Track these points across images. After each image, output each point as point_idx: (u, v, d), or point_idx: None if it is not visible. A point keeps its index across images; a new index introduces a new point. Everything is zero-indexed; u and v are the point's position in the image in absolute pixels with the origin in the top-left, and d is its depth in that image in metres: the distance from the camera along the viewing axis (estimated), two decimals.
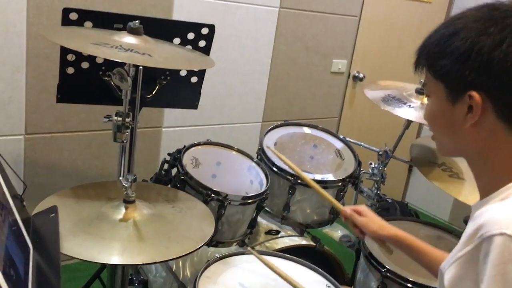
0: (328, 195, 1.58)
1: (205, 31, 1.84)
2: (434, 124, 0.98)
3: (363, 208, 1.44)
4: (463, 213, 2.97)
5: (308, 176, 1.88)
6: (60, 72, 1.73)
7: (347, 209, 1.45)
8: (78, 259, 1.08)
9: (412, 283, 1.61)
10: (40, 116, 2.21)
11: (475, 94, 0.86)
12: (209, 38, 1.85)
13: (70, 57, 1.71)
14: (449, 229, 2.01)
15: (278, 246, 1.82)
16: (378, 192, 2.13)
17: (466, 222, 2.62)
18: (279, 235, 1.91)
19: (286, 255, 1.60)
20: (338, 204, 1.55)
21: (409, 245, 1.35)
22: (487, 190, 0.92)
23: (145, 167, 2.53)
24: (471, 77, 0.87)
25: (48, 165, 2.31)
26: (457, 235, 1.96)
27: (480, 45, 0.84)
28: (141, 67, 1.35)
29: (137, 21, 1.50)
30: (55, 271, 0.96)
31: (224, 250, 1.76)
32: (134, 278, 1.84)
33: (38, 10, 2.07)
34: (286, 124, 2.09)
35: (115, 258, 1.12)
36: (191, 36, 1.83)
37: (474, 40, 0.85)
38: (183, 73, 1.88)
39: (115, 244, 1.15)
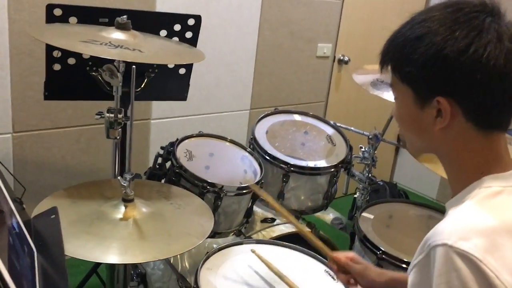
0: (318, 241, 1.42)
1: (191, 22, 1.83)
2: (403, 125, 0.97)
3: (353, 254, 1.35)
4: (451, 191, 3.03)
5: (301, 163, 1.91)
6: (47, 69, 1.71)
7: (341, 257, 1.34)
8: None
9: (407, 263, 1.65)
10: (26, 113, 2.18)
11: (443, 100, 0.86)
12: (196, 29, 1.84)
13: (56, 54, 1.68)
14: (439, 209, 2.05)
15: (274, 234, 1.85)
16: (370, 175, 2.16)
17: None
18: (275, 223, 1.93)
19: (283, 242, 1.61)
20: (328, 251, 1.39)
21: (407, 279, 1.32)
22: (455, 188, 0.93)
23: (135, 159, 2.52)
24: (438, 83, 0.86)
25: (37, 163, 2.28)
26: None
27: (446, 51, 0.83)
28: (134, 66, 1.33)
29: (125, 16, 1.48)
30: (61, 274, 0.96)
31: (221, 241, 1.78)
32: (132, 272, 1.85)
33: (19, 5, 2.03)
34: (276, 112, 2.10)
35: (119, 257, 1.12)
36: (177, 27, 1.81)
37: (439, 46, 0.83)
38: (171, 65, 1.86)
39: (118, 244, 1.16)
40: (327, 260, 1.43)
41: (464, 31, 0.83)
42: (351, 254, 1.35)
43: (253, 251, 1.48)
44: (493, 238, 0.79)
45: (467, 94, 0.85)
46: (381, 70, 0.96)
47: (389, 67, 0.93)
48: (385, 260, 1.69)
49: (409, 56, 0.87)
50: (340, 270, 1.35)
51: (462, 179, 0.91)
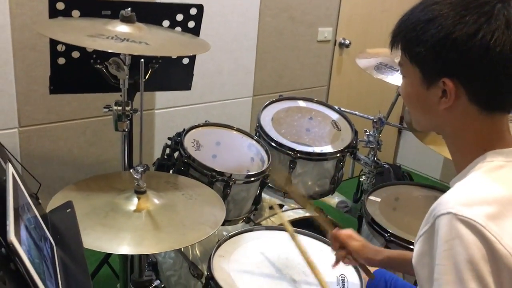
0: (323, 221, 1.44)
1: (193, 11, 1.83)
2: (409, 103, 1.01)
3: (351, 232, 1.39)
4: (454, 170, 3.05)
5: (307, 149, 1.92)
6: (51, 63, 1.71)
7: (340, 233, 1.38)
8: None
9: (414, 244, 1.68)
10: (32, 108, 2.19)
11: (448, 81, 0.89)
12: (198, 18, 1.84)
13: (60, 48, 1.69)
14: (444, 189, 2.07)
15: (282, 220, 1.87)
16: (375, 158, 2.17)
17: None
18: (283, 209, 1.95)
19: (293, 228, 1.64)
20: (330, 228, 1.43)
21: (404, 259, 1.32)
22: (459, 166, 0.96)
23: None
24: (445, 65, 0.89)
25: (44, 156, 2.30)
26: None
27: (455, 35, 0.85)
28: (142, 60, 1.34)
29: (129, 8, 1.49)
30: (82, 268, 0.98)
31: (231, 228, 1.81)
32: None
33: (20, 0, 2.03)
34: (281, 99, 2.11)
35: (135, 248, 1.15)
36: (180, 17, 1.81)
37: (449, 29, 0.86)
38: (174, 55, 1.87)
39: (133, 235, 1.18)
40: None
41: (474, 16, 0.85)
42: (349, 231, 1.39)
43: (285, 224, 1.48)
44: (497, 207, 0.83)
45: (472, 77, 0.88)
46: (391, 49, 0.99)
47: (399, 46, 0.96)
48: (393, 242, 1.71)
49: (419, 37, 0.90)
50: (340, 247, 1.39)
51: (465, 157, 0.95)
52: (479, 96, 0.89)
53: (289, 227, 1.47)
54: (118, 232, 1.17)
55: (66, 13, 1.62)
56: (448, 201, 0.84)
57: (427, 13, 0.90)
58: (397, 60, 2.07)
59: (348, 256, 1.39)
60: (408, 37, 0.92)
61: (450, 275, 0.81)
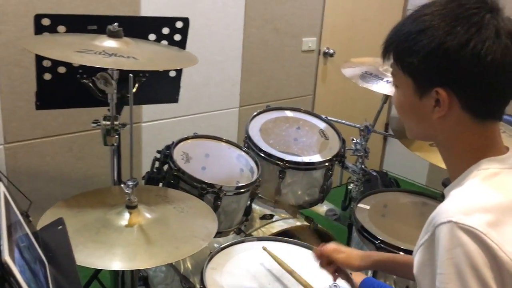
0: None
1: (179, 24, 1.84)
2: (403, 112, 1.01)
3: (334, 245, 1.37)
4: (439, 176, 3.09)
5: (296, 159, 1.93)
6: (37, 78, 1.70)
7: (324, 249, 1.36)
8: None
9: (404, 250, 1.69)
10: (18, 123, 2.17)
11: (441, 91, 0.90)
12: (184, 31, 1.85)
13: (46, 63, 1.68)
14: (432, 195, 2.10)
15: (274, 230, 1.88)
16: (363, 166, 2.19)
17: (444, 184, 2.74)
18: (274, 219, 1.96)
19: (284, 238, 1.64)
20: (314, 245, 1.44)
21: (393, 262, 1.33)
22: (453, 174, 0.97)
23: (129, 164, 2.53)
24: (438, 75, 0.90)
25: (31, 172, 2.28)
26: (440, 200, 2.05)
27: (446, 45, 0.87)
28: (131, 75, 1.34)
29: (116, 24, 1.49)
30: (75, 285, 0.97)
31: (222, 240, 1.80)
32: None
33: (4, 16, 2.02)
34: (268, 109, 2.12)
35: (128, 264, 1.14)
36: (166, 31, 1.82)
37: (440, 40, 0.87)
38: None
39: (126, 250, 1.17)
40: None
41: (464, 26, 0.87)
42: (332, 245, 1.37)
43: (264, 249, 1.50)
44: (496, 215, 0.84)
45: (464, 86, 0.89)
46: (383, 60, 0.99)
47: (391, 57, 0.97)
48: (383, 248, 1.73)
49: (411, 48, 0.91)
50: (327, 263, 1.37)
51: (460, 165, 0.95)
52: (472, 104, 0.91)
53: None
54: (110, 248, 1.17)
55: (52, 29, 1.62)
56: (448, 210, 0.85)
57: (419, 24, 0.91)
58: (381, 69, 2.10)
59: (338, 269, 1.37)
60: (400, 48, 0.94)
61: (454, 283, 0.81)
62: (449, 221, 0.82)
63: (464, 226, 0.81)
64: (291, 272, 1.40)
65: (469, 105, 0.91)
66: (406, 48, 0.92)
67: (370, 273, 1.70)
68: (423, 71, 0.91)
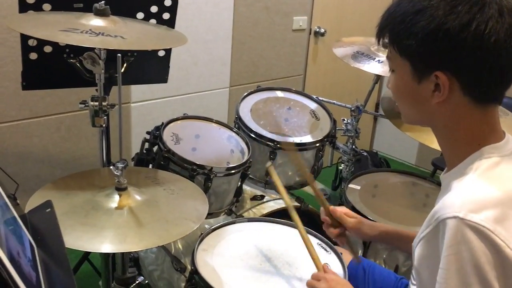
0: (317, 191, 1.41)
1: (168, 3, 1.80)
2: (399, 97, 0.98)
3: (346, 209, 1.38)
4: (429, 155, 3.11)
5: (287, 139, 1.92)
6: (23, 58, 1.66)
7: (337, 210, 1.37)
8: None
9: None
10: (4, 104, 2.13)
11: (441, 74, 0.86)
12: (173, 10, 1.82)
13: (32, 42, 1.64)
14: (421, 175, 2.11)
15: (265, 211, 1.87)
16: (354, 146, 2.19)
17: (434, 164, 2.75)
18: (265, 200, 1.95)
19: (275, 219, 1.64)
20: (325, 203, 1.40)
21: (397, 234, 1.34)
22: (452, 161, 0.95)
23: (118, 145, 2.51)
24: (438, 58, 0.86)
25: (18, 154, 2.25)
26: (430, 180, 2.07)
27: (447, 26, 0.82)
28: (119, 55, 1.31)
29: (102, 1, 1.45)
30: (64, 268, 0.96)
31: (213, 221, 1.80)
32: None
33: None
34: (259, 89, 2.10)
35: (118, 246, 1.13)
36: (154, 9, 1.79)
37: (440, 20, 0.83)
38: None
39: (116, 232, 1.16)
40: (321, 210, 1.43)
41: (466, 6, 0.82)
42: (344, 208, 1.38)
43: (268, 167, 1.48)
44: (501, 209, 0.82)
45: (466, 69, 0.85)
46: (378, 43, 0.96)
47: (387, 39, 0.93)
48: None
49: (409, 30, 0.87)
50: (333, 225, 1.38)
51: (459, 151, 0.92)
52: (474, 88, 0.87)
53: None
54: (100, 231, 1.16)
55: (37, 7, 1.58)
56: (453, 204, 0.83)
57: (416, 4, 0.86)
58: (373, 49, 2.08)
59: (342, 233, 1.38)
60: (397, 29, 0.89)
61: (455, 279, 0.80)
62: (455, 217, 0.80)
63: (471, 223, 0.79)
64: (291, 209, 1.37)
65: (470, 89, 0.87)
66: (403, 30, 0.88)
67: (360, 252, 1.72)
68: (421, 54, 0.87)
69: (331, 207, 1.38)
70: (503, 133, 0.94)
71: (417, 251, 0.90)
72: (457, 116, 0.90)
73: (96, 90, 1.57)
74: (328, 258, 1.45)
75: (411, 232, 1.30)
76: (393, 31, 0.91)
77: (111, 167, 1.25)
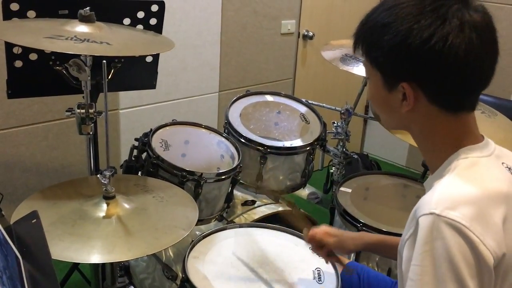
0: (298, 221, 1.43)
1: (155, 8, 1.79)
2: (375, 104, 1.01)
3: (326, 228, 1.37)
4: (419, 157, 3.11)
5: (277, 144, 1.92)
6: (8, 66, 1.64)
7: (315, 233, 1.35)
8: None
9: (386, 233, 1.69)
10: None
11: (406, 86, 0.89)
12: (160, 15, 1.80)
13: (17, 50, 1.62)
14: (412, 177, 2.11)
15: (256, 216, 1.86)
16: (344, 149, 2.19)
17: (424, 165, 2.75)
18: (256, 205, 1.94)
19: (266, 224, 1.63)
20: (305, 229, 1.41)
21: (383, 243, 1.34)
22: (434, 165, 0.97)
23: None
24: (402, 70, 0.89)
25: (6, 163, 2.22)
26: (421, 182, 2.07)
27: (409, 41, 0.85)
28: (104, 61, 1.29)
29: (88, 8, 1.43)
30: (51, 279, 0.94)
31: (204, 227, 1.78)
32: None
33: None
34: (248, 94, 2.09)
35: (106, 256, 1.11)
36: (141, 15, 1.77)
37: (404, 35, 0.86)
38: None
39: (104, 242, 1.14)
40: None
41: (428, 20, 0.85)
42: (323, 228, 1.37)
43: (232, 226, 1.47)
44: (478, 207, 0.83)
45: (428, 80, 0.88)
46: (354, 51, 0.98)
47: (361, 49, 0.95)
48: (365, 231, 1.73)
49: (376, 42, 0.90)
50: (319, 247, 1.37)
51: (437, 156, 0.95)
52: (438, 98, 0.90)
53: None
54: (88, 241, 1.13)
55: (21, 14, 1.56)
56: (430, 202, 0.84)
57: (384, 17, 0.89)
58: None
59: (330, 252, 1.36)
60: (368, 41, 0.93)
61: (430, 275, 0.80)
62: (432, 213, 0.82)
63: (448, 220, 0.80)
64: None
65: (435, 98, 0.90)
66: (372, 43, 0.91)
67: (352, 255, 1.71)
68: (388, 66, 0.91)
69: (310, 232, 1.37)
70: (482, 137, 0.97)
71: (404, 254, 0.89)
72: (429, 123, 0.93)
73: (83, 97, 1.55)
74: (320, 263, 1.44)
75: (397, 240, 1.28)
76: (365, 42, 0.94)
77: (98, 175, 1.23)
